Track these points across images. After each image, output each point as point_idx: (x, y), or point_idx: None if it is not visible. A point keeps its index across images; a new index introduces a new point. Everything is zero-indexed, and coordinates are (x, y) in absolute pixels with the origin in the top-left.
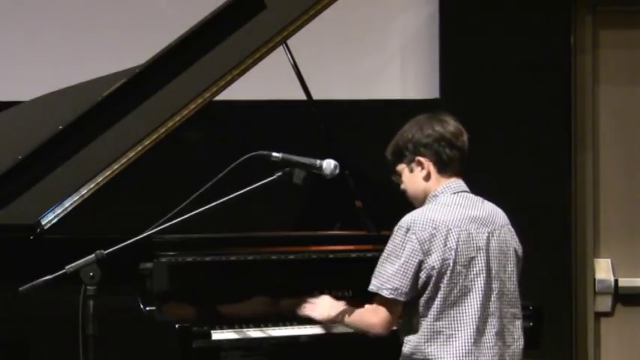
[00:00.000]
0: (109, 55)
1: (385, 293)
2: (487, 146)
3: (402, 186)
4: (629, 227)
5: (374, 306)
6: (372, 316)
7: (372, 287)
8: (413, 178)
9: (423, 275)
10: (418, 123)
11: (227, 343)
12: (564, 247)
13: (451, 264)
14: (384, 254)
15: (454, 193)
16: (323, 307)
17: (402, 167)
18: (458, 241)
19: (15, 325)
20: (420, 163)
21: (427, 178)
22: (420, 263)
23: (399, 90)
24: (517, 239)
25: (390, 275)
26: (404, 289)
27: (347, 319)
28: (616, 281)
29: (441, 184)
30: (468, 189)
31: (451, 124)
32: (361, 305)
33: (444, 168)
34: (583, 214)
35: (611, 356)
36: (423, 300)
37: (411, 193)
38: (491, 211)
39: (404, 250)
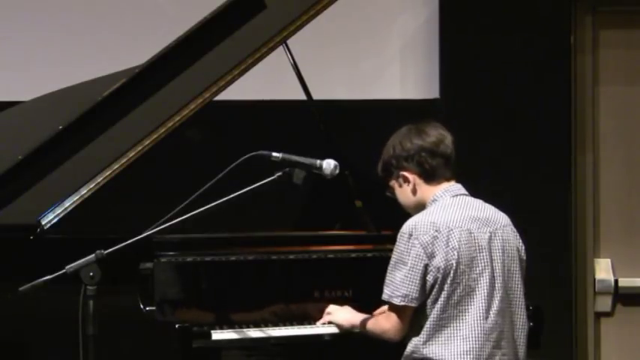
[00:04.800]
0: (109, 55)
1: (396, 301)
2: (487, 146)
3: (398, 199)
4: (629, 227)
5: (387, 312)
6: (384, 322)
7: (384, 296)
8: (403, 192)
9: (430, 278)
10: (398, 137)
11: (227, 343)
12: (564, 247)
13: (454, 264)
14: (392, 262)
15: (453, 196)
16: (345, 314)
17: (392, 183)
18: (460, 241)
19: (15, 325)
20: (405, 178)
21: (415, 190)
22: (426, 267)
23: (399, 90)
24: (520, 240)
25: (398, 283)
26: (413, 294)
27: (366, 325)
28: (616, 281)
29: (436, 190)
30: (467, 192)
31: (431, 134)
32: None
33: (431, 177)
34: (583, 214)
35: (611, 356)
36: (429, 302)
37: (405, 205)
38: (492, 213)
39: (409, 256)
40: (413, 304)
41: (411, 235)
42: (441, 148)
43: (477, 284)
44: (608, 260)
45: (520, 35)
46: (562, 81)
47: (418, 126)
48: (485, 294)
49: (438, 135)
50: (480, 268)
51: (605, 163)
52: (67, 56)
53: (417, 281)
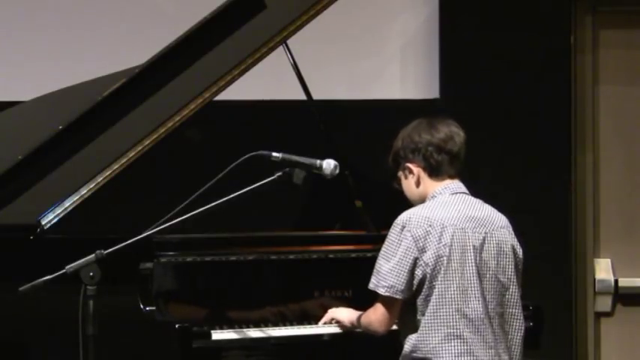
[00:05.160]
0: (109, 55)
1: (381, 291)
2: (487, 146)
3: (403, 191)
4: (629, 227)
5: (374, 305)
6: (371, 314)
7: (370, 285)
8: (407, 183)
9: (418, 272)
10: (408, 130)
11: (227, 343)
12: (564, 247)
13: (445, 261)
14: (381, 251)
15: (453, 193)
16: (346, 311)
17: (400, 174)
18: (453, 238)
19: (15, 325)
20: (410, 170)
21: (418, 183)
22: (415, 260)
23: (399, 90)
24: (517, 241)
25: (385, 273)
26: (399, 286)
27: (360, 320)
28: (616, 281)
29: (437, 186)
30: (467, 191)
31: (441, 130)
32: (362, 306)
33: (435, 172)
34: (583, 214)
35: (611, 356)
36: (421, 298)
37: (409, 197)
38: (489, 213)
39: (399, 247)
40: (398, 296)
41: (404, 227)
42: (449, 145)
43: (471, 284)
44: (608, 260)
45: (520, 35)
46: (562, 81)
47: (430, 121)
48: (480, 295)
49: (447, 132)
50: (474, 268)
51: (605, 163)
52: (67, 56)
53: (405, 273)
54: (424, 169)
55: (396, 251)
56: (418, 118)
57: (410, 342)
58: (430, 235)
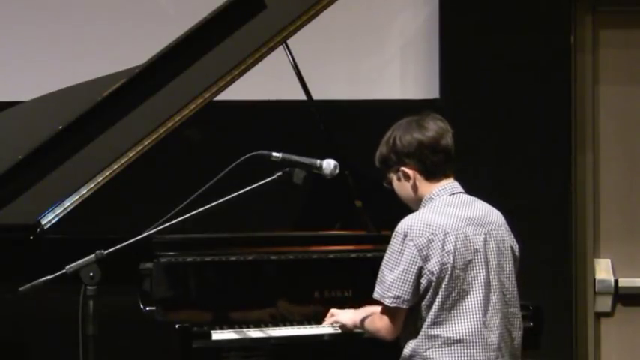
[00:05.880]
0: (109, 54)
1: (388, 302)
2: (487, 146)
3: (397, 193)
4: (629, 227)
5: (380, 313)
6: (377, 322)
7: (375, 295)
8: (402, 186)
9: (423, 281)
10: (398, 130)
11: (227, 343)
12: (564, 247)
13: (449, 268)
14: (384, 261)
15: (450, 195)
16: (348, 313)
17: (392, 176)
18: (455, 245)
19: (15, 325)
20: (405, 174)
21: (415, 187)
22: (420, 269)
23: (399, 90)
24: (514, 239)
25: (390, 283)
26: (406, 296)
27: (364, 324)
28: (616, 281)
29: (434, 187)
30: (463, 190)
31: (430, 129)
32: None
33: (432, 174)
34: (583, 214)
35: (611, 356)
36: (423, 304)
37: (404, 199)
38: (487, 212)
39: (402, 256)
40: (405, 306)
41: (406, 235)
42: (442, 143)
43: (472, 287)
44: (608, 260)
45: (520, 35)
46: (562, 81)
47: (417, 120)
48: (482, 296)
49: (437, 129)
50: (476, 270)
51: (605, 163)
52: (67, 56)
53: (411, 283)
54: (420, 172)
55: (399, 261)
56: None
57: (410, 346)
58: (433, 243)
